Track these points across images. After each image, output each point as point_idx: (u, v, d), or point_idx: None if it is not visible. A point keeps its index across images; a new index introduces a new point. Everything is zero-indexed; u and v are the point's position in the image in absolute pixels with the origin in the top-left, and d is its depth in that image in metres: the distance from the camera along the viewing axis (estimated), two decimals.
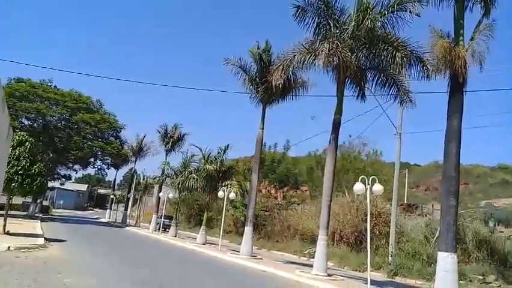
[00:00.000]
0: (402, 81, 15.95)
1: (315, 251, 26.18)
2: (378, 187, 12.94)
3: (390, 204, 28.91)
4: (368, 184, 12.97)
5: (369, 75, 16.35)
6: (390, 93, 16.59)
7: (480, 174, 72.74)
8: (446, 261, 10.65)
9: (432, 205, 37.63)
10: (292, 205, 36.75)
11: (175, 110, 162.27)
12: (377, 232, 25.60)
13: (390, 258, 20.88)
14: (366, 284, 14.72)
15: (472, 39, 11.48)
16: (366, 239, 25.19)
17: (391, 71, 15.81)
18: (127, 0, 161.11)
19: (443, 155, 11.35)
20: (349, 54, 14.13)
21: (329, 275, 15.03)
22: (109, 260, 14.72)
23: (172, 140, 36.60)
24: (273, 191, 40.61)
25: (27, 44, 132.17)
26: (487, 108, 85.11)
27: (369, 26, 13.66)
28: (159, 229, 34.43)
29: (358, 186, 12.95)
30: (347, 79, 15.91)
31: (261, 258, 20.25)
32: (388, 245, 23.09)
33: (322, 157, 39.47)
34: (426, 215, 27.35)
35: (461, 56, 10.84)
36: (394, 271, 19.69)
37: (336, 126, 15.86)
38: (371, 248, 24.59)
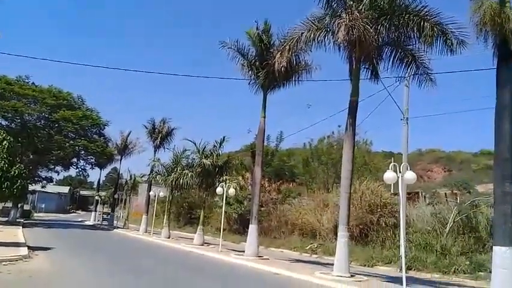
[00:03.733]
0: (422, 57, 14.50)
1: (316, 247, 25.11)
2: (411, 175, 11.43)
3: (392, 194, 27.80)
4: (400, 172, 11.45)
5: (385, 52, 14.81)
6: (408, 72, 15.20)
7: (463, 161, 73.00)
8: (504, 257, 9.16)
9: (434, 192, 36.70)
10: (288, 199, 35.37)
11: (160, 102, 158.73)
12: (383, 224, 24.40)
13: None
14: (392, 283, 13.51)
15: None
16: (373, 232, 24.22)
17: (410, 46, 14.39)
18: None
19: (493, 135, 9.85)
20: (369, 26, 12.52)
21: (352, 275, 13.51)
22: (104, 270, 12.97)
23: (160, 136, 34.62)
24: (266, 185, 39.01)
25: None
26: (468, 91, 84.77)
27: None
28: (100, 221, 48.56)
29: (389, 175, 11.37)
30: (362, 57, 14.33)
31: (267, 259, 18.63)
32: (396, 237, 21.91)
33: (318, 148, 38.20)
34: (433, 204, 26.04)
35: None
36: (408, 265, 18.24)
37: (352, 109, 14.28)
38: (377, 241, 23.59)
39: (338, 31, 12.27)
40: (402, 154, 20.93)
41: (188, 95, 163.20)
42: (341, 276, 13.02)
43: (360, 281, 13.16)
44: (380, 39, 14.10)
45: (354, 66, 14.43)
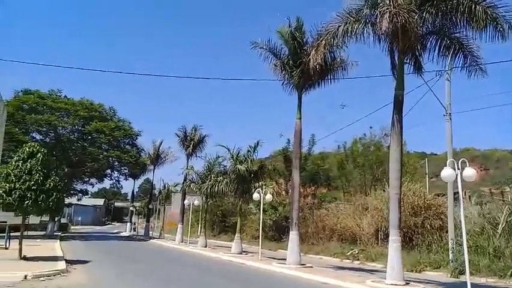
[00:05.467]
0: (470, 45, 13.47)
1: (358, 252, 24.04)
2: (470, 172, 10.40)
3: (435, 195, 26.49)
4: (458, 169, 10.46)
5: (430, 41, 13.85)
6: (454, 62, 14.21)
7: (499, 159, 70.22)
8: None
9: (481, 191, 35.02)
10: (324, 203, 34.37)
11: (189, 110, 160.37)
12: (428, 226, 23.19)
13: (451, 255, 18.25)
14: None
15: None
16: (418, 235, 23.00)
17: (457, 33, 13.40)
18: None
19: None
20: (415, 13, 11.64)
21: (407, 283, 12.52)
22: (145, 284, 12.40)
23: (192, 143, 34.21)
24: (301, 190, 38.17)
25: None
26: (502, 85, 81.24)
27: None
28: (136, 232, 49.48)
29: (447, 172, 10.40)
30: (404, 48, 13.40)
31: (311, 267, 17.75)
32: (442, 240, 20.70)
33: (353, 150, 37.16)
34: (482, 204, 24.62)
35: None
36: (459, 269, 17.02)
37: (398, 104, 13.34)
38: (423, 245, 22.31)
39: (381, 19, 11.42)
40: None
41: (215, 103, 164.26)
42: (396, 285, 12.07)
43: None
44: (424, 27, 13.21)
45: (397, 59, 13.57)
